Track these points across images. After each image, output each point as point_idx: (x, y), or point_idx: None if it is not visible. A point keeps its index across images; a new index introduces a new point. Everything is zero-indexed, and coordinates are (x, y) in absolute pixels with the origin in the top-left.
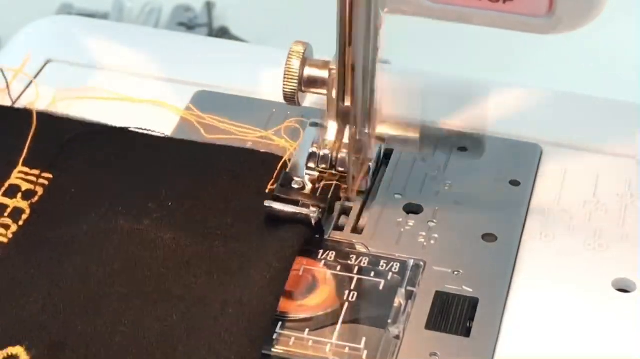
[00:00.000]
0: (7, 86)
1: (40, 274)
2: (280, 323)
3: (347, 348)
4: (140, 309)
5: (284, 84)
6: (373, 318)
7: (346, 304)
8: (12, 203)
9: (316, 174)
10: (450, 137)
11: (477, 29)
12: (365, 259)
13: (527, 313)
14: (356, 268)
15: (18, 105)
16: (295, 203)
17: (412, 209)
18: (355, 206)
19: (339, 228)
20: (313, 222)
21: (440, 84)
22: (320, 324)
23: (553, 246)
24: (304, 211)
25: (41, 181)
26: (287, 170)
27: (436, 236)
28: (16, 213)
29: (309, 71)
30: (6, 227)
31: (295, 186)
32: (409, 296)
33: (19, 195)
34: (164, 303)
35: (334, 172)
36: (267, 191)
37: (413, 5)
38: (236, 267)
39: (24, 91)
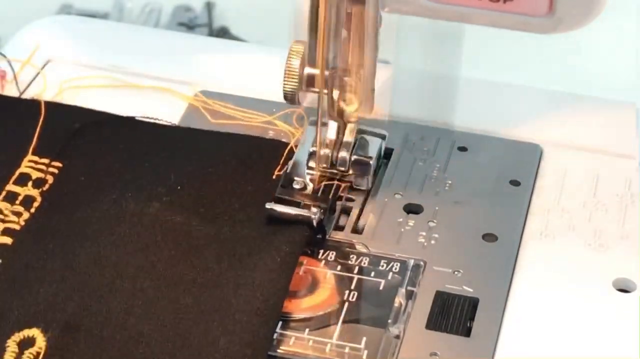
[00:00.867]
0: (15, 77)
1: (53, 259)
2: (280, 323)
3: (347, 348)
4: (153, 290)
5: (284, 83)
6: (373, 318)
7: (346, 304)
8: (23, 191)
9: (317, 173)
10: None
11: (478, 29)
12: (366, 259)
13: (527, 313)
14: (356, 268)
15: (25, 96)
16: (297, 204)
17: (412, 209)
18: (356, 206)
19: (339, 228)
20: (315, 223)
21: (440, 83)
22: (320, 324)
23: (553, 246)
24: (305, 212)
25: (51, 169)
26: (288, 170)
27: (436, 236)
28: (27, 201)
29: (309, 70)
30: (18, 214)
31: (297, 186)
32: (409, 295)
33: (30, 183)
34: (175, 285)
35: (334, 171)
36: (274, 176)
37: (413, 5)
38: (245, 252)
39: (31, 82)
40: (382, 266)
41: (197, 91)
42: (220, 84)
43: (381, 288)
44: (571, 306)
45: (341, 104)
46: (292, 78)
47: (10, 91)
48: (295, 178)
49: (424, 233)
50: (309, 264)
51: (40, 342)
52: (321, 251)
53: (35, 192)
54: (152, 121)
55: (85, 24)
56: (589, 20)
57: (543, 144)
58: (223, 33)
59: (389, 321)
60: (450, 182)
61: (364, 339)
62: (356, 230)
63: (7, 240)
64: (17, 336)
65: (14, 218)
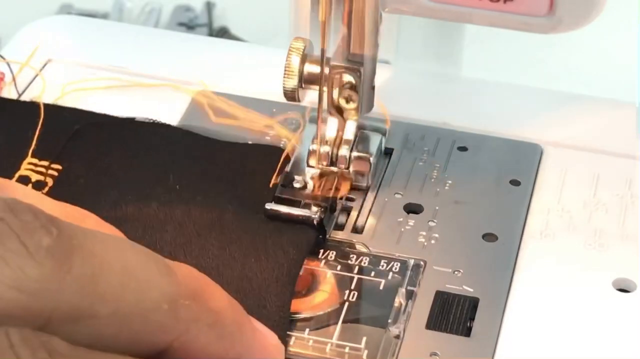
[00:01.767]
0: (13, 79)
1: None
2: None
3: (347, 348)
4: None
5: (284, 81)
6: (373, 318)
7: (346, 304)
8: None
9: (317, 171)
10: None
11: (478, 29)
12: (366, 259)
13: (527, 313)
14: (356, 268)
15: (24, 98)
16: (297, 204)
17: (412, 209)
18: (356, 206)
19: (339, 228)
20: (315, 223)
21: (440, 83)
22: (320, 324)
23: (553, 246)
24: (306, 212)
25: (51, 172)
26: (288, 170)
27: (436, 235)
28: None
29: (309, 68)
30: None
31: (297, 185)
32: (410, 295)
33: (29, 186)
34: None
35: (335, 169)
36: (271, 185)
37: (413, 5)
38: (248, 242)
39: (29, 83)
40: (382, 265)
41: (197, 91)
42: (220, 84)
43: (381, 287)
44: (571, 306)
45: (341, 102)
46: (292, 75)
47: (9, 93)
48: (296, 177)
49: (424, 233)
50: (308, 264)
51: None
52: (321, 251)
53: None
54: (152, 121)
55: (85, 24)
56: (589, 21)
57: (543, 144)
58: (223, 33)
59: (389, 321)
60: (450, 182)
61: (364, 339)
62: (356, 230)
63: None
64: None
65: None
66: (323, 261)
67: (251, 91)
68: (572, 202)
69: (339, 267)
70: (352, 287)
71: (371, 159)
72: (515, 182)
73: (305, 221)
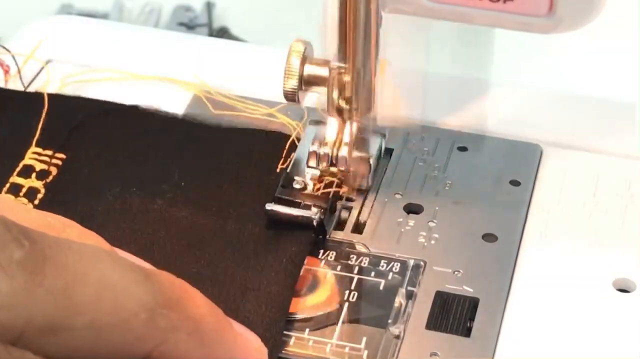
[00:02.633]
0: (19, 71)
1: None
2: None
3: (347, 348)
4: None
5: (284, 83)
6: (373, 318)
7: (346, 304)
8: (27, 183)
9: (317, 173)
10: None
11: (478, 29)
12: (366, 259)
13: (527, 313)
14: (356, 268)
15: (29, 91)
16: (297, 204)
17: (412, 209)
18: (356, 206)
19: (339, 228)
20: (315, 223)
21: (440, 83)
22: (320, 324)
23: (553, 246)
24: (306, 213)
25: (55, 161)
26: (288, 170)
27: (436, 236)
28: (31, 193)
29: (310, 69)
30: None
31: (297, 186)
32: (409, 296)
33: (33, 175)
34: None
35: (334, 170)
36: (277, 170)
37: (413, 5)
38: (250, 250)
39: (35, 76)
40: (382, 266)
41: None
42: (220, 84)
43: (381, 288)
44: (571, 306)
45: (341, 103)
46: (293, 77)
47: (14, 86)
48: (295, 178)
49: (424, 233)
50: (308, 264)
51: None
52: (321, 251)
53: (39, 184)
54: (155, 109)
55: (85, 24)
56: (589, 20)
57: (543, 144)
58: (223, 33)
59: (389, 321)
60: (450, 182)
61: (364, 339)
62: (356, 230)
63: None
64: None
65: None
66: (323, 261)
67: (251, 91)
68: (572, 203)
69: (339, 268)
70: (352, 287)
71: (371, 160)
72: (515, 183)
73: (305, 222)
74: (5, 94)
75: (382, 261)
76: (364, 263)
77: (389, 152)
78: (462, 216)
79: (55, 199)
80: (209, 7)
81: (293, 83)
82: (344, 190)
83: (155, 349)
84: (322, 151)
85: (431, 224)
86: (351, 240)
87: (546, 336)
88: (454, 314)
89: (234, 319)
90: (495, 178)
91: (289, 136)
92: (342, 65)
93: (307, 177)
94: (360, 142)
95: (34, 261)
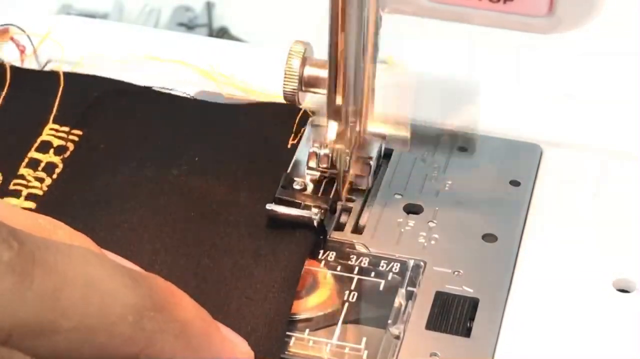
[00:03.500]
0: (34, 51)
1: (75, 223)
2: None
3: (347, 348)
4: (172, 250)
5: (284, 84)
6: (373, 318)
7: (346, 305)
8: (45, 158)
9: (317, 174)
10: (449, 137)
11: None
12: (366, 260)
13: (527, 313)
14: (356, 268)
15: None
16: (297, 205)
17: (412, 209)
18: (356, 206)
19: (339, 228)
20: (315, 224)
21: (440, 83)
22: (320, 324)
23: (553, 246)
24: (306, 213)
25: (72, 137)
26: (288, 170)
27: (436, 236)
28: (49, 167)
29: (309, 71)
30: (41, 180)
31: (297, 187)
32: (409, 296)
33: (51, 151)
34: (195, 246)
35: (334, 171)
36: (289, 146)
37: (413, 5)
38: (263, 224)
39: (44, 65)
40: (382, 266)
41: (196, 91)
42: (220, 84)
43: (381, 288)
44: (571, 307)
45: (340, 104)
46: (292, 78)
47: (30, 65)
48: (296, 178)
49: (424, 233)
50: (308, 264)
51: None
52: (321, 251)
53: (57, 159)
54: (168, 91)
55: (85, 24)
56: (589, 20)
57: (543, 144)
58: (223, 33)
59: (389, 321)
60: (450, 182)
61: (364, 339)
62: (356, 230)
63: (31, 205)
64: None
65: (36, 184)
66: (323, 262)
67: (251, 90)
68: (571, 203)
69: (339, 268)
70: (352, 287)
71: (371, 162)
72: (515, 183)
73: (305, 223)
74: (21, 73)
75: (382, 262)
76: (364, 263)
77: (388, 152)
78: (462, 216)
79: (73, 174)
80: (209, 7)
81: (293, 84)
82: (343, 192)
83: (142, 352)
84: (322, 152)
85: (431, 224)
86: (351, 240)
87: (546, 336)
88: (454, 314)
89: (248, 287)
90: (495, 178)
91: (298, 109)
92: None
93: (307, 178)
94: (360, 142)
95: (23, 263)
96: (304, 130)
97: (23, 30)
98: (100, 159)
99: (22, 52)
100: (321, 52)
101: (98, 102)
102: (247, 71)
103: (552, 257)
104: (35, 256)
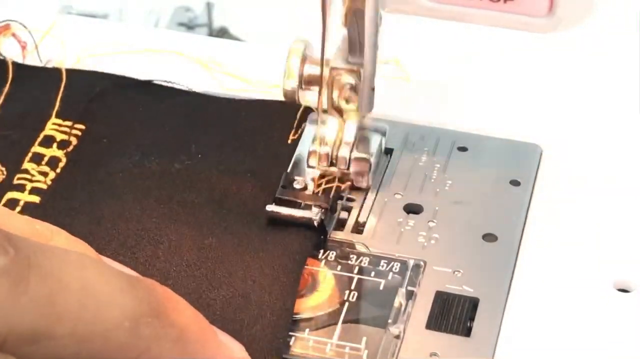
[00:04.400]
0: (36, 47)
1: (80, 215)
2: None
3: (347, 348)
4: (177, 234)
5: (284, 82)
6: (373, 318)
7: (346, 304)
8: (48, 152)
9: (317, 172)
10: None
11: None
12: (366, 259)
13: (527, 313)
14: (356, 268)
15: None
16: (298, 205)
17: (412, 209)
18: (356, 206)
19: (340, 228)
20: (316, 224)
21: (440, 83)
22: (320, 324)
23: (553, 246)
24: (306, 213)
25: (74, 131)
26: (288, 170)
27: (436, 236)
28: (53, 161)
29: (309, 69)
30: (45, 174)
31: (297, 186)
32: (410, 296)
33: (55, 145)
34: (199, 227)
35: (334, 170)
36: (289, 141)
37: (413, 5)
38: (263, 223)
39: (44, 63)
40: (382, 266)
41: (197, 85)
42: (220, 84)
43: (381, 288)
44: (571, 306)
45: (340, 103)
46: (292, 76)
47: (32, 61)
48: (296, 178)
49: (424, 233)
50: (308, 264)
51: None
52: (321, 251)
53: (60, 153)
54: (170, 85)
55: (85, 24)
56: (589, 20)
57: (543, 144)
58: (223, 33)
59: (389, 321)
60: (450, 182)
61: (364, 339)
62: (356, 230)
63: (35, 199)
64: None
65: (40, 178)
66: (323, 261)
67: (251, 90)
68: (571, 202)
69: (339, 268)
70: (352, 287)
71: (371, 159)
72: (515, 183)
73: (306, 223)
74: (23, 69)
75: (382, 261)
76: (364, 263)
77: (389, 152)
78: (462, 216)
79: (76, 167)
80: (209, 7)
81: (293, 82)
82: (345, 186)
83: (139, 357)
84: (322, 150)
85: (431, 224)
86: (351, 240)
87: (546, 336)
88: (454, 314)
89: (253, 269)
90: (495, 178)
91: (298, 105)
92: (343, 65)
93: (308, 177)
94: (360, 141)
95: (18, 268)
96: (304, 126)
97: (25, 26)
98: (103, 153)
99: (23, 48)
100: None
101: (100, 96)
102: (247, 69)
103: (552, 257)
104: (30, 261)
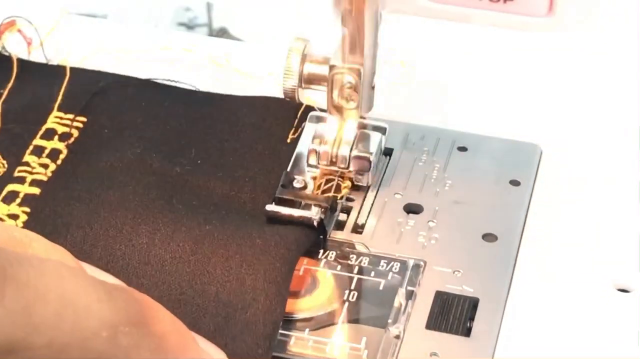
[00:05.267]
0: (41, 44)
1: (80, 205)
2: (280, 323)
3: (347, 348)
4: (173, 225)
5: (284, 81)
6: (373, 318)
7: (346, 304)
8: (49, 145)
9: (317, 171)
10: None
11: (478, 29)
12: (366, 259)
13: (527, 313)
14: (356, 268)
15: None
16: (298, 204)
17: (412, 209)
18: (356, 206)
19: (339, 228)
20: (315, 224)
21: (439, 83)
22: (320, 324)
23: (553, 246)
24: (306, 213)
25: (76, 124)
26: (288, 169)
27: (436, 235)
28: (54, 153)
29: (309, 67)
30: (45, 166)
31: (297, 186)
32: (409, 295)
33: (56, 137)
34: (195, 217)
35: (335, 168)
36: (288, 141)
37: (413, 5)
38: (263, 221)
39: (48, 61)
40: (382, 266)
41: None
42: (220, 84)
43: (381, 287)
44: (571, 306)
45: (341, 102)
46: (292, 75)
47: (37, 58)
48: (296, 177)
49: (424, 233)
50: (308, 264)
51: None
52: (321, 251)
53: (61, 145)
54: (172, 83)
55: (85, 24)
56: (589, 20)
57: (543, 144)
58: (223, 33)
59: (389, 321)
60: (450, 182)
61: (364, 339)
62: (356, 230)
63: (35, 190)
64: None
65: (41, 170)
66: (323, 261)
67: (251, 90)
68: (571, 203)
69: (339, 268)
70: (352, 287)
71: (371, 158)
72: (515, 183)
73: (306, 223)
74: (28, 66)
75: (382, 261)
76: (364, 263)
77: (388, 152)
78: (462, 216)
79: (77, 159)
80: (209, 7)
81: (292, 81)
82: (344, 189)
83: None
84: (322, 149)
85: (431, 224)
86: (351, 240)
87: (546, 336)
88: (454, 314)
89: (249, 255)
90: (495, 178)
91: (299, 104)
92: (343, 64)
93: (308, 176)
94: (360, 140)
95: None
96: (304, 125)
97: (30, 22)
98: (104, 144)
99: (29, 44)
100: (321, 49)
101: (103, 91)
102: (247, 68)
103: (552, 256)
104: (7, 272)
